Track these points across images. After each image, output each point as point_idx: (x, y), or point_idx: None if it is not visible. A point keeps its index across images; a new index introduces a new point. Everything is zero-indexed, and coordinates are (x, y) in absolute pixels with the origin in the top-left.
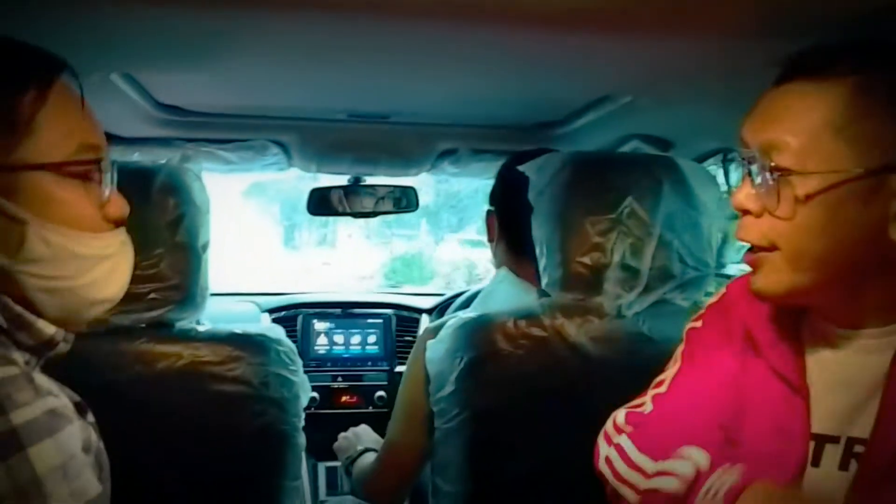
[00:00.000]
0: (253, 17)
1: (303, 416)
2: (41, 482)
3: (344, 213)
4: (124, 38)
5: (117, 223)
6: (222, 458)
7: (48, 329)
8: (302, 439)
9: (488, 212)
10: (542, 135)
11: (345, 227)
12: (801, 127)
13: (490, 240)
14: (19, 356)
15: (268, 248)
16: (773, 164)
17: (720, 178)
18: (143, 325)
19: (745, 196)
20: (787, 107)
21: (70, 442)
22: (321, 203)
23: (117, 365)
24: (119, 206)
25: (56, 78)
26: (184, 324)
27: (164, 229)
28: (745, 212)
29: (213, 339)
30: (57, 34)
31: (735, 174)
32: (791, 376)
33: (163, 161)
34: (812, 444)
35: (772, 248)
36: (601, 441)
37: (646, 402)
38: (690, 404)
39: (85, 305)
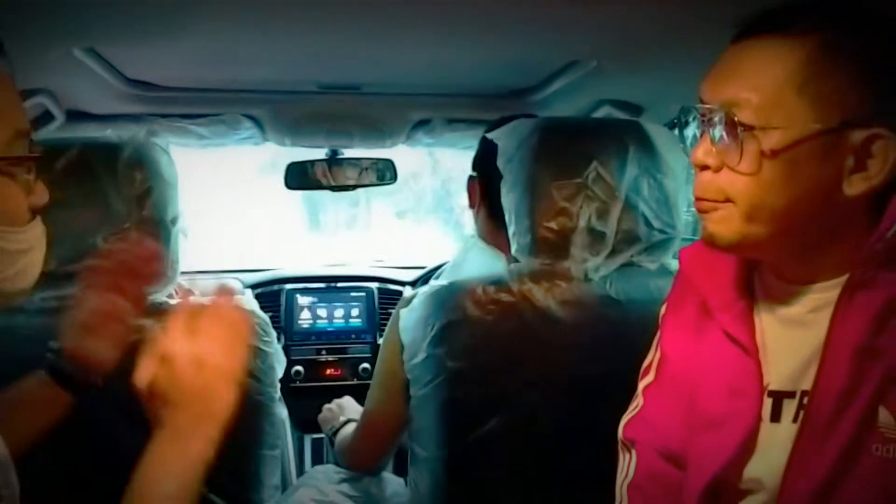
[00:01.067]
0: None
1: (278, 386)
2: None
3: (322, 187)
4: (83, 11)
5: (38, 212)
6: None
7: None
8: (278, 409)
9: (470, 178)
10: (515, 102)
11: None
12: (764, 83)
13: (471, 206)
14: None
15: (291, 229)
16: (735, 119)
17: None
18: None
19: (705, 152)
20: (750, 63)
21: None
22: (298, 176)
23: None
24: (43, 194)
25: None
26: (155, 297)
27: (131, 203)
28: (704, 167)
29: None
30: (10, 6)
31: (691, 131)
32: (742, 338)
33: (128, 136)
34: (770, 402)
35: (727, 201)
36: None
37: (638, 399)
38: (676, 391)
39: (11, 297)
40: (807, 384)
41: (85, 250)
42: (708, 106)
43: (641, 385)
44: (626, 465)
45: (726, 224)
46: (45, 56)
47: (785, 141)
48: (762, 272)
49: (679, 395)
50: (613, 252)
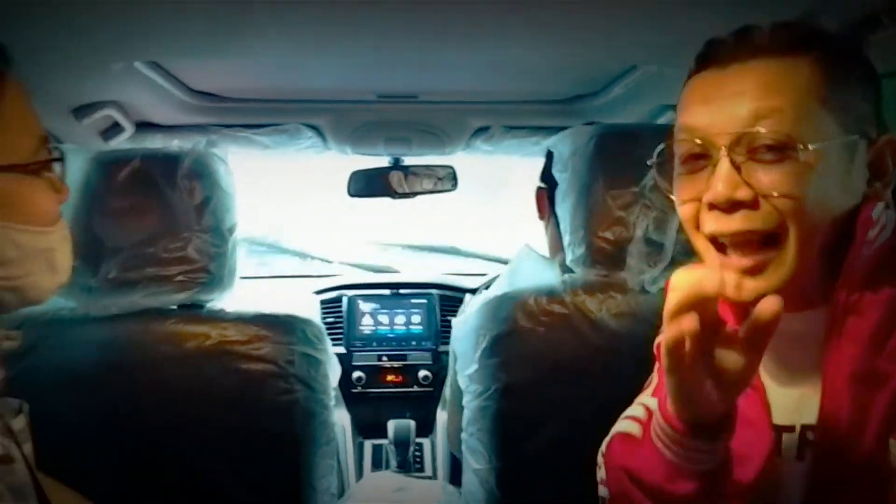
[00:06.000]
0: (276, 2)
1: (332, 394)
2: None
3: (384, 195)
4: (146, 26)
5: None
6: (251, 434)
7: None
8: (331, 416)
9: (538, 188)
10: (575, 108)
11: None
12: (791, 97)
13: (540, 217)
14: None
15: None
16: (772, 139)
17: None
18: (174, 307)
19: (733, 185)
20: (767, 81)
21: None
22: (361, 184)
23: (149, 345)
24: (67, 194)
25: (6, 71)
26: (213, 305)
27: (190, 213)
28: (736, 205)
29: (240, 319)
30: (72, 23)
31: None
32: None
33: (188, 146)
34: (774, 436)
35: (770, 239)
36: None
37: (653, 376)
38: None
39: (40, 295)
40: (808, 418)
41: (146, 258)
42: (717, 135)
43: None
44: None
45: (778, 275)
46: (109, 69)
47: (821, 155)
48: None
49: None
50: (673, 263)
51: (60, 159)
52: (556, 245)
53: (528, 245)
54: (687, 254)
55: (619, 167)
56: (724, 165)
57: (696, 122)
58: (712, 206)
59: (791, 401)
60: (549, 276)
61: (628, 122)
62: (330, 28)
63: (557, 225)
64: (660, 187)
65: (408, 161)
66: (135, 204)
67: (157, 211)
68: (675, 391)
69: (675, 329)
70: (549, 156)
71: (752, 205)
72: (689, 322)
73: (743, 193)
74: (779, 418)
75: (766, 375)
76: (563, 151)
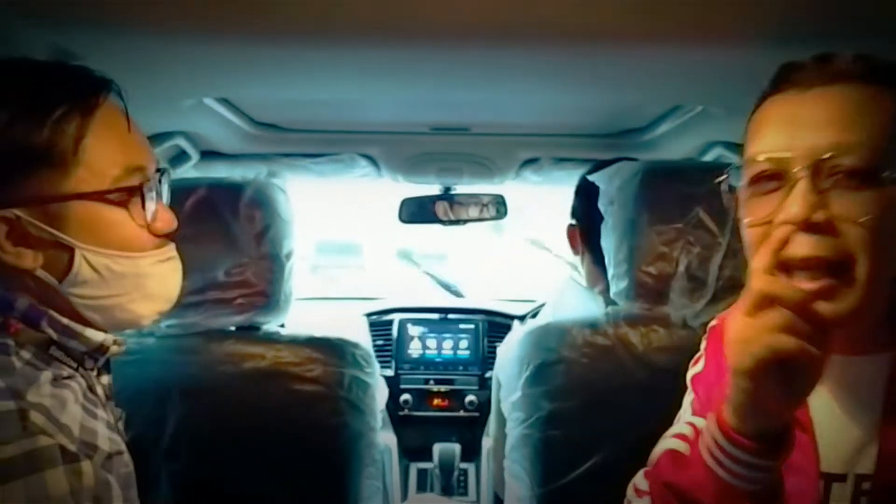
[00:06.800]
0: (338, 42)
1: (380, 416)
2: None
3: (434, 221)
4: (216, 64)
5: (166, 237)
6: (301, 452)
7: (97, 336)
8: (377, 438)
9: (570, 226)
10: (623, 143)
11: None
12: (871, 127)
13: (575, 254)
14: (68, 365)
15: None
16: (854, 165)
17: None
18: (232, 328)
19: (811, 205)
20: (848, 109)
21: (45, 485)
22: (411, 211)
23: (208, 363)
24: (166, 221)
25: (101, 101)
26: (269, 327)
27: (250, 240)
28: (811, 226)
29: (294, 342)
30: (144, 63)
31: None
32: (798, 414)
33: (250, 176)
34: (821, 484)
35: (842, 266)
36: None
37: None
38: None
39: (134, 318)
40: (863, 467)
41: (208, 282)
42: (796, 158)
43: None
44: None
45: (846, 303)
46: (180, 104)
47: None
48: None
49: None
50: (715, 299)
51: (138, 188)
52: (594, 278)
53: (572, 276)
54: (730, 290)
55: (664, 203)
56: (802, 186)
57: (774, 143)
58: (785, 227)
59: (846, 449)
60: (592, 308)
61: (675, 157)
62: (387, 66)
63: (594, 259)
64: (705, 222)
65: (459, 189)
66: (200, 231)
67: (219, 237)
68: (744, 397)
69: (762, 329)
70: (579, 192)
71: (827, 229)
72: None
73: (819, 216)
74: (831, 466)
75: (820, 421)
76: (611, 186)
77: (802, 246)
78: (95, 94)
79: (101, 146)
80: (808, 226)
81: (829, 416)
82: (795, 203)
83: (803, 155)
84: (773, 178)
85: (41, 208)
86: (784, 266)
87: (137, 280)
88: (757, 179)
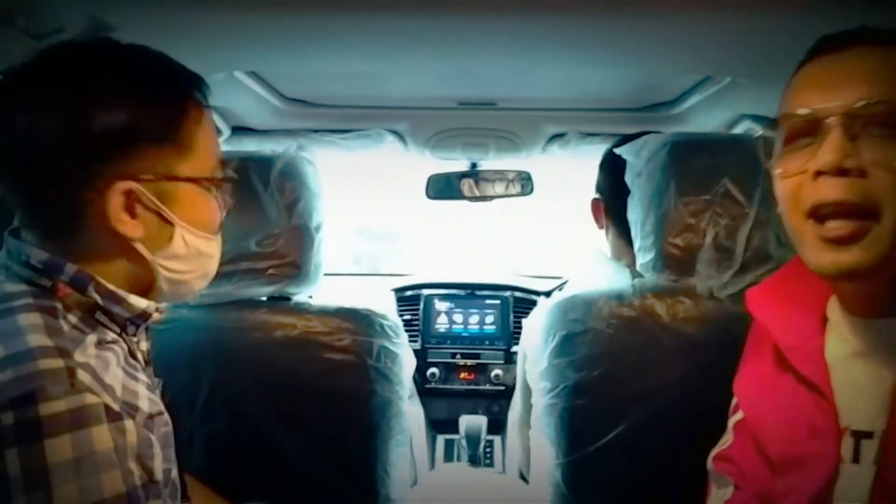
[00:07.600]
0: (368, 16)
1: (408, 385)
2: (48, 472)
3: (461, 197)
4: (247, 38)
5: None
6: (331, 418)
7: (140, 303)
8: (405, 407)
9: (594, 200)
10: (651, 117)
11: None
12: None
13: (599, 227)
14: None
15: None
16: (887, 114)
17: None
18: (264, 298)
19: (844, 152)
20: (889, 67)
21: (91, 441)
22: (439, 187)
23: (241, 331)
24: (226, 210)
25: (205, 104)
26: (299, 297)
27: (281, 211)
28: (841, 171)
29: (324, 312)
30: (177, 36)
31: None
32: (815, 378)
33: (280, 150)
34: (851, 442)
35: (872, 211)
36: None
37: (729, 435)
38: (759, 432)
39: (189, 293)
40: (885, 425)
41: (240, 252)
42: (833, 107)
43: (732, 421)
44: (720, 499)
45: (875, 248)
46: (211, 78)
47: None
48: (832, 308)
49: (761, 436)
50: (742, 270)
51: (232, 179)
52: (620, 250)
53: (598, 248)
54: (758, 261)
55: (692, 175)
56: (835, 133)
57: (809, 99)
58: (818, 174)
59: (874, 407)
60: (618, 280)
61: (704, 130)
62: (414, 40)
63: (619, 232)
64: (733, 193)
65: (485, 165)
66: (232, 203)
67: (251, 209)
68: None
69: None
70: (603, 166)
71: (859, 174)
72: None
73: (851, 162)
74: (859, 423)
75: (846, 383)
76: (638, 158)
77: (834, 190)
78: (202, 91)
79: (207, 136)
80: (839, 171)
81: (854, 377)
82: (829, 150)
83: (836, 106)
84: (808, 133)
85: (154, 185)
86: (816, 213)
87: (207, 260)
88: (792, 137)
